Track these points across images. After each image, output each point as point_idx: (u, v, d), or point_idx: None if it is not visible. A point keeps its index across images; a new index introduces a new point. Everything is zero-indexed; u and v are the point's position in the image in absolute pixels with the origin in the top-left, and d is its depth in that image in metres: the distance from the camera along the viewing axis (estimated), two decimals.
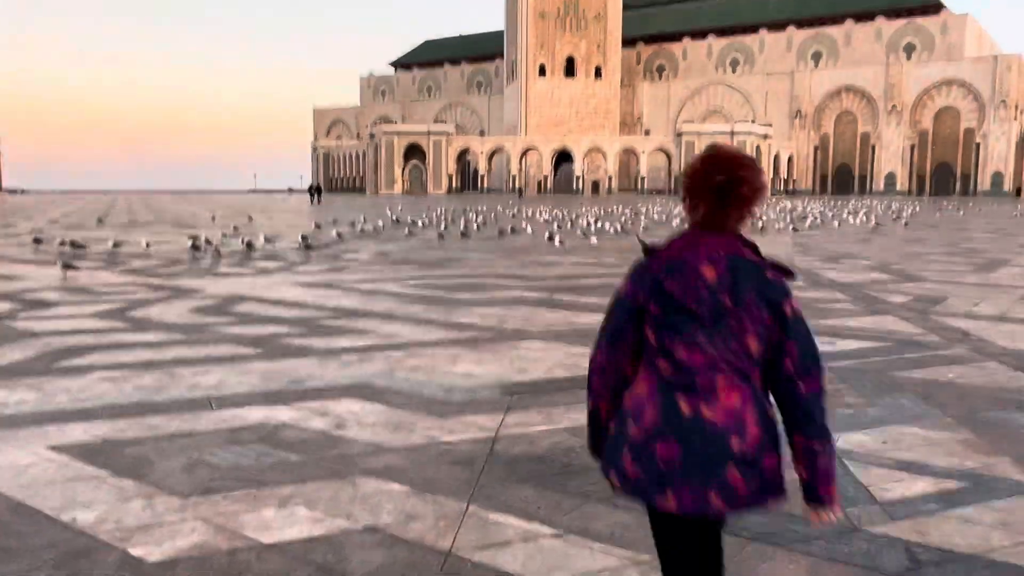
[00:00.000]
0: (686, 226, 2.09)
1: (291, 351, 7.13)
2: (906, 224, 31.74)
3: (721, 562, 2.18)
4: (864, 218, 33.52)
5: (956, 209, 50.10)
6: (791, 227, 27.95)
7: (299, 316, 9.04)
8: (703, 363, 1.97)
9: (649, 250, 2.10)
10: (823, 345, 7.39)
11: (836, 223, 31.65)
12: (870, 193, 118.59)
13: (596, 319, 8.28)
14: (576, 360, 6.71)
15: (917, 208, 49.50)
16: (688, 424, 1.97)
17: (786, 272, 2.03)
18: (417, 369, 6.47)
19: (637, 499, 2.06)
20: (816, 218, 32.65)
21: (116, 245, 18.51)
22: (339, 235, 22.91)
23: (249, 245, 18.38)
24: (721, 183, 1.99)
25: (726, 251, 1.99)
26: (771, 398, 2.07)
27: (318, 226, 28.29)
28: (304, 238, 19.27)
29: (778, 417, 2.05)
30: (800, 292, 11.15)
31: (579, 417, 5.02)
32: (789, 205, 49.55)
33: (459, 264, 15.36)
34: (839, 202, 65.89)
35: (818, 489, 2.05)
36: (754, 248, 2.03)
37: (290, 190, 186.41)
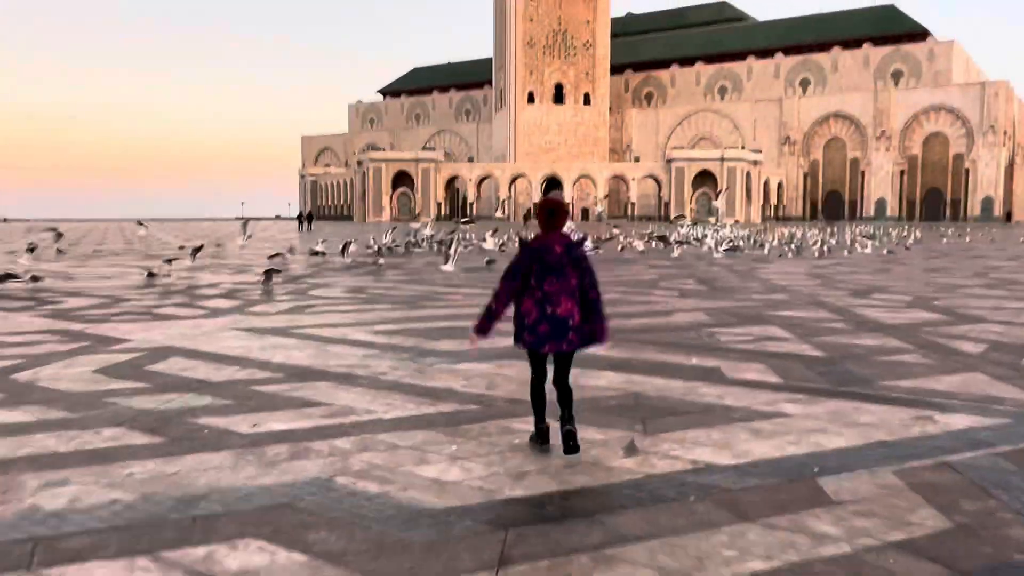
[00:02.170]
0: (538, 231, 4.88)
1: (200, 441, 5.17)
2: (907, 248, 30.47)
3: (568, 375, 4.83)
4: (875, 244, 31.89)
5: (958, 235, 48.62)
6: (791, 250, 26.17)
7: (232, 379, 7.08)
8: (556, 290, 4.67)
9: (524, 242, 4.96)
10: (924, 424, 5.56)
11: (845, 252, 29.95)
12: (860, 219, 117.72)
13: (613, 379, 6.00)
14: (599, 453, 4.80)
15: (918, 234, 47.96)
16: (551, 316, 4.64)
17: (582, 242, 4.91)
18: (368, 473, 4.52)
19: (534, 349, 4.76)
20: (823, 245, 30.92)
21: (35, 279, 16.03)
22: (317, 253, 20.94)
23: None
24: (547, 212, 4.79)
25: (563, 241, 4.73)
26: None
27: (291, 251, 26.36)
28: (267, 273, 17.21)
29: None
30: (851, 339, 9.27)
31: (622, 573, 3.14)
32: (787, 232, 48.02)
33: (441, 302, 13.43)
34: (834, 228, 64.44)
35: (596, 334, 4.76)
36: (568, 237, 4.80)
37: (277, 217, 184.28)
